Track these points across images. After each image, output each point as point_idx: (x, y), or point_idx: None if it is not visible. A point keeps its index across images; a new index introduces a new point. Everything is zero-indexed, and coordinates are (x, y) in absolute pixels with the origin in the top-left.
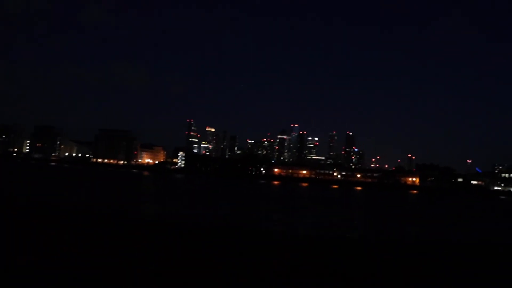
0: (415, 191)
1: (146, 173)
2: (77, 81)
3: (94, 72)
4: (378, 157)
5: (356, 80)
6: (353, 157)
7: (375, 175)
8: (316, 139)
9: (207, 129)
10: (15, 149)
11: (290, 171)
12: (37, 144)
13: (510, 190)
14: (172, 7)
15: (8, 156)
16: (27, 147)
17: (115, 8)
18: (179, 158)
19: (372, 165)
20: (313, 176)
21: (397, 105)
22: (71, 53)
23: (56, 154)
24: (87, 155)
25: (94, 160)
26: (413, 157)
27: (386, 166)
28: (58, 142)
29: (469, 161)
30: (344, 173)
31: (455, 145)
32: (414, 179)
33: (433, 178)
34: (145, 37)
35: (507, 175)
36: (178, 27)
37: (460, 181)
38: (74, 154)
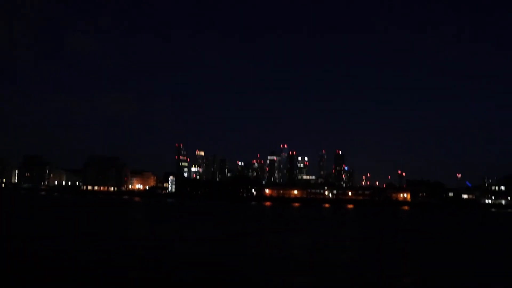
0: (406, 207)
1: (137, 199)
2: (65, 110)
3: (82, 101)
4: (368, 174)
5: (343, 97)
6: (343, 176)
7: (366, 192)
8: (306, 159)
9: (196, 152)
10: (4, 180)
11: (281, 191)
12: (26, 174)
13: (501, 203)
14: (156, 33)
15: None
16: (16, 177)
17: (101, 37)
18: (169, 182)
19: (363, 183)
20: (305, 196)
21: (385, 122)
22: (58, 82)
23: (46, 183)
24: (77, 183)
25: (84, 188)
26: (403, 173)
27: (377, 183)
28: (47, 171)
29: (458, 175)
30: (335, 191)
31: (444, 160)
32: (405, 195)
33: (424, 194)
34: (130, 63)
35: (496, 187)
36: (163, 50)
37: (451, 196)
38: (63, 183)
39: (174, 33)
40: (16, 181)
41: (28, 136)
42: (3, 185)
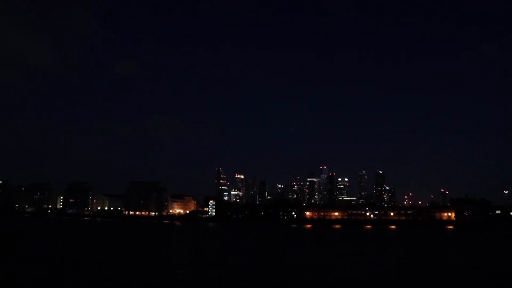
0: (451, 227)
1: (177, 223)
2: (108, 135)
3: (125, 126)
4: (410, 193)
5: (382, 116)
6: (385, 196)
7: (408, 212)
8: (346, 179)
9: (236, 176)
10: (50, 206)
11: (322, 213)
12: (70, 200)
13: None
14: (198, 56)
15: (43, 212)
16: (61, 203)
17: (145, 61)
18: (209, 206)
19: (405, 203)
20: (346, 217)
21: (426, 139)
22: (102, 108)
23: (89, 208)
24: (119, 208)
25: (126, 212)
26: (447, 192)
27: (420, 202)
28: (91, 197)
29: (506, 192)
30: (376, 212)
31: (489, 177)
32: (449, 214)
33: (469, 212)
34: (174, 89)
35: None
36: (206, 75)
37: (498, 214)
38: (106, 208)
39: (216, 54)
40: (61, 206)
41: (72, 162)
42: (49, 211)
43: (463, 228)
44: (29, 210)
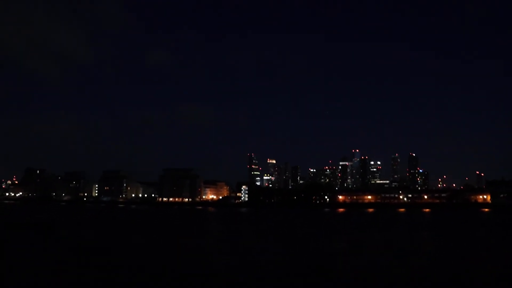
0: (486, 209)
1: (211, 208)
2: (143, 123)
3: (160, 113)
4: (444, 176)
5: (413, 98)
6: (418, 179)
7: (442, 195)
8: (378, 163)
9: (268, 161)
10: (85, 194)
11: (355, 197)
12: (105, 188)
13: None
14: (229, 43)
15: (79, 200)
16: (96, 191)
17: (178, 49)
18: (242, 192)
19: (439, 185)
20: (379, 200)
21: (460, 121)
22: (135, 96)
23: (124, 196)
24: (153, 195)
25: (160, 199)
26: (482, 174)
27: (454, 185)
28: (125, 185)
29: None
30: (410, 195)
31: None
32: (485, 196)
33: (505, 195)
34: (205, 76)
35: None
36: (238, 62)
37: None
38: (140, 195)
39: (248, 41)
40: (96, 194)
41: (106, 151)
42: (84, 199)
43: (499, 211)
44: (65, 198)
